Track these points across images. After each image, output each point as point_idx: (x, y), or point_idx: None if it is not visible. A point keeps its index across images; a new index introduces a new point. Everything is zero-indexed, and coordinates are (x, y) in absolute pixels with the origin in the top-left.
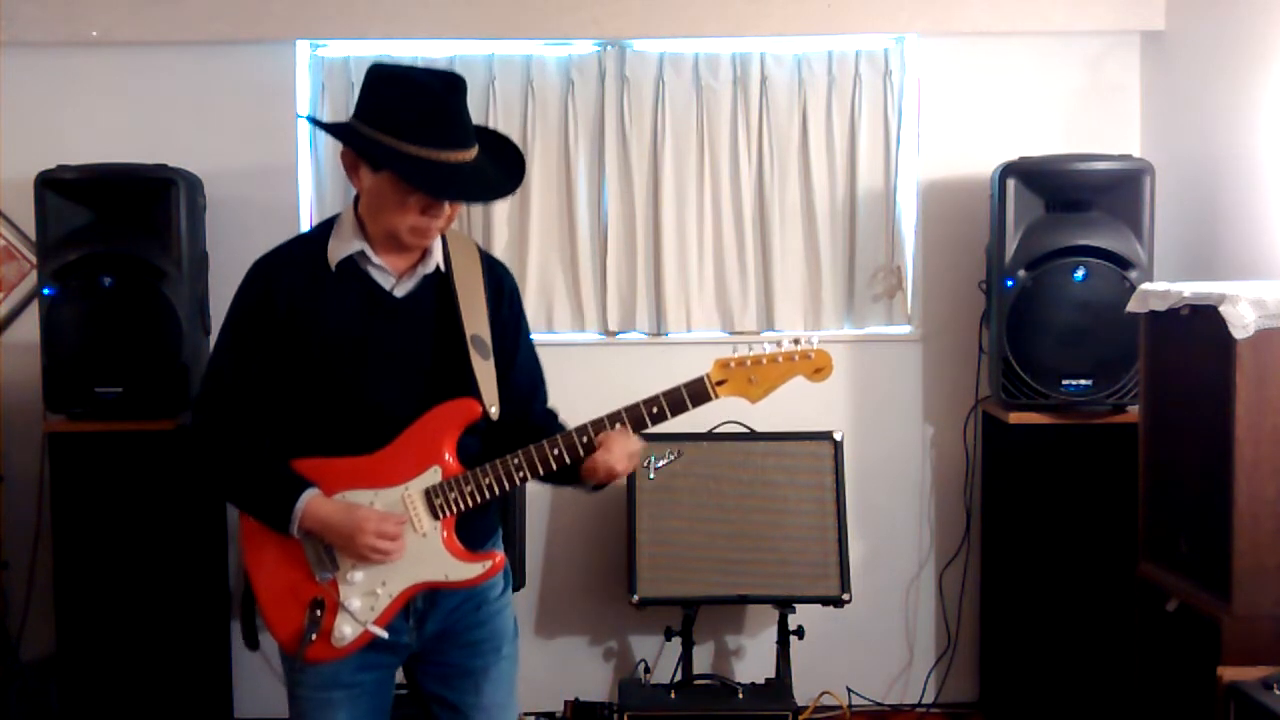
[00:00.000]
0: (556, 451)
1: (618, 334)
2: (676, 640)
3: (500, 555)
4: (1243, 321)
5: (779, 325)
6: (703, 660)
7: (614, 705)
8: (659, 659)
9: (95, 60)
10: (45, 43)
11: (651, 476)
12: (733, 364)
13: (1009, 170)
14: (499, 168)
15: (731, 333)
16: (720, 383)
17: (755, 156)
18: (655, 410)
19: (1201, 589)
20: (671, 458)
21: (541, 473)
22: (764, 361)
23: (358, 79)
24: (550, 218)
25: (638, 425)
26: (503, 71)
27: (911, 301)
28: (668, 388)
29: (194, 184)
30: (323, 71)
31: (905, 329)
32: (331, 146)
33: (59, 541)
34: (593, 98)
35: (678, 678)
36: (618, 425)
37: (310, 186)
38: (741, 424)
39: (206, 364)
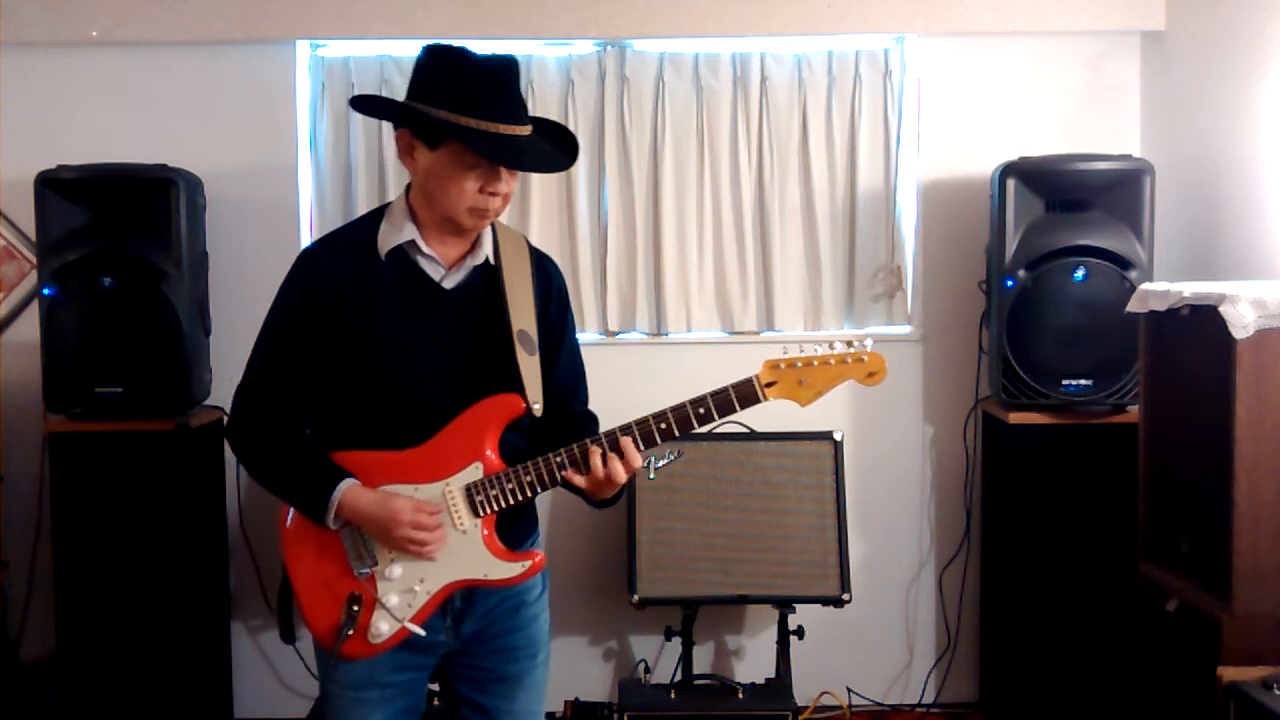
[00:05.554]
0: (603, 452)
1: (618, 334)
2: (676, 640)
3: (541, 555)
4: (1243, 321)
5: (779, 325)
6: (703, 660)
7: (614, 705)
8: (659, 659)
9: (95, 60)
10: (45, 43)
11: (651, 476)
12: (783, 365)
13: (1009, 170)
14: (553, 144)
15: (731, 333)
16: (770, 384)
17: (755, 156)
18: (702, 411)
19: (1201, 589)
20: (671, 458)
21: (585, 471)
22: (815, 364)
23: (358, 79)
24: (550, 217)
25: (683, 426)
26: None
27: (911, 301)
28: (715, 388)
29: (194, 184)
30: (323, 71)
31: (905, 329)
32: (332, 146)
33: (59, 541)
34: (593, 98)
35: (678, 678)
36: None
37: (310, 186)
38: (741, 424)
39: (251, 349)
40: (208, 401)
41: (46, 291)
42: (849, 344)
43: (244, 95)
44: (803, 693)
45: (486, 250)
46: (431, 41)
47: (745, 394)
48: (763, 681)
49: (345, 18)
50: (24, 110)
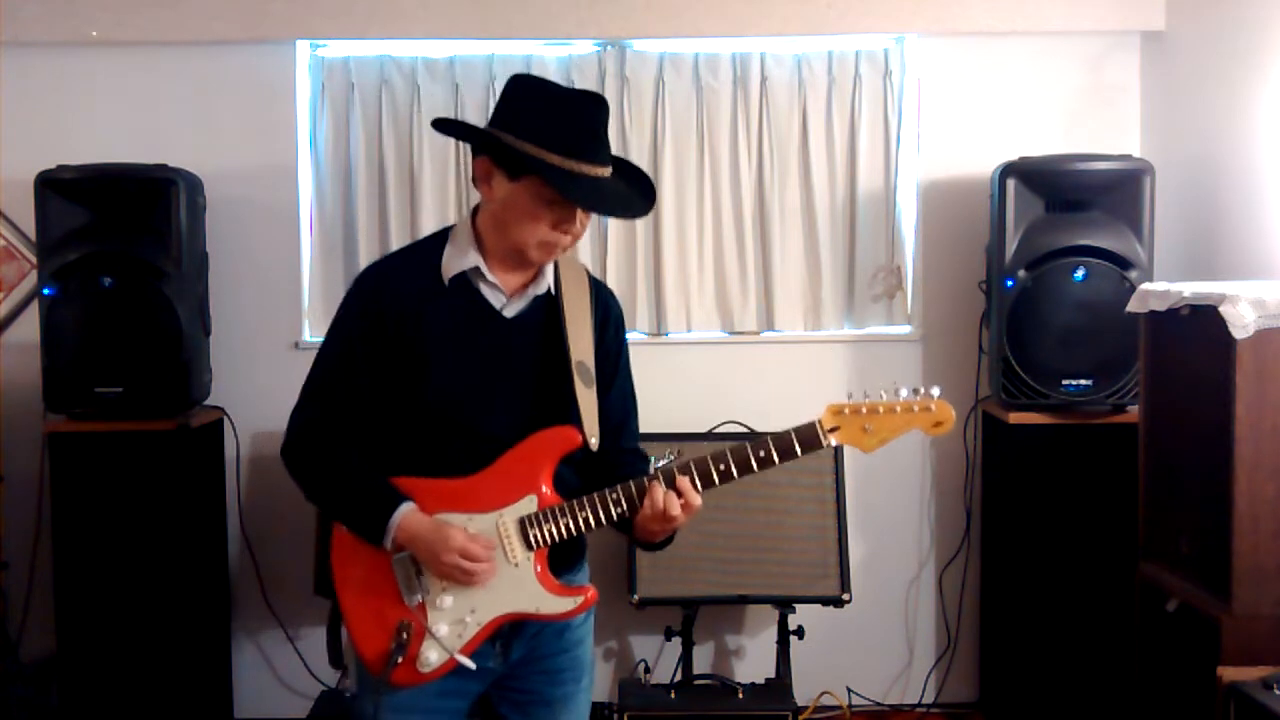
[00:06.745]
0: (662, 492)
1: None
2: (676, 640)
3: (592, 591)
4: (1243, 321)
5: (779, 325)
6: (703, 660)
7: (614, 705)
8: (659, 659)
9: (95, 60)
10: (45, 43)
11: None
12: (847, 411)
13: (1009, 170)
14: (631, 187)
15: (731, 333)
16: (833, 429)
17: (755, 156)
18: (762, 455)
19: (1201, 589)
20: (671, 458)
21: (638, 510)
22: (881, 410)
23: (358, 79)
24: None
25: (743, 469)
26: (503, 71)
27: (911, 301)
28: (776, 431)
29: (194, 184)
30: (323, 71)
31: (905, 329)
32: (332, 147)
33: (59, 541)
34: None
35: (678, 678)
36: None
37: (310, 187)
38: (741, 424)
39: (310, 368)
40: (208, 401)
41: (46, 291)
42: (915, 391)
43: (244, 95)
44: (803, 693)
45: (548, 280)
46: (430, 41)
47: (807, 438)
48: (763, 681)
49: (345, 18)
50: (24, 110)
